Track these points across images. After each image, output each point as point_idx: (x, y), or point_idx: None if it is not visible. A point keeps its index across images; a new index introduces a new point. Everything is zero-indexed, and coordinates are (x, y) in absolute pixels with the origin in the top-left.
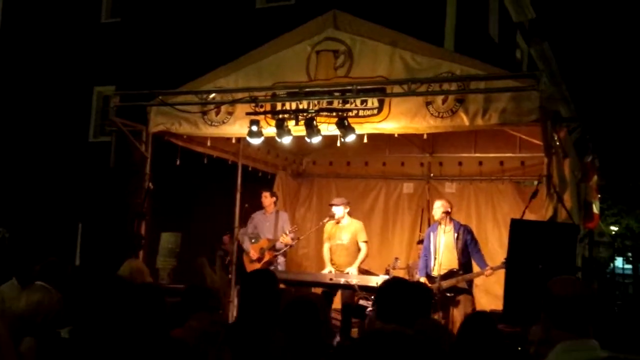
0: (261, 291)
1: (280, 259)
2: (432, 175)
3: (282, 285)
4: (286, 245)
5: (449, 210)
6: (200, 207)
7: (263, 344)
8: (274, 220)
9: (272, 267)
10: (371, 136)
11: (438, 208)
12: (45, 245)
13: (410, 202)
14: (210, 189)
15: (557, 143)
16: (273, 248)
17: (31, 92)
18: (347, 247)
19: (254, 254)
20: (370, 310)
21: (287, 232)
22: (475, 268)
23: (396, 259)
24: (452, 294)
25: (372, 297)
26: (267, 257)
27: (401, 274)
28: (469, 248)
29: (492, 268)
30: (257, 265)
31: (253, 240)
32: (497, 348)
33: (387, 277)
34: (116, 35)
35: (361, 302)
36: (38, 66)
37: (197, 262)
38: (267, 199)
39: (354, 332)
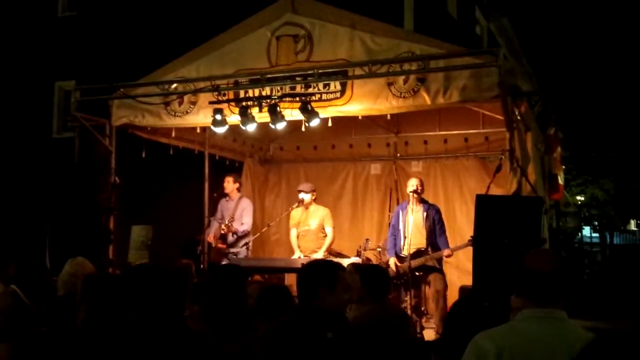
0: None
1: (241, 248)
2: (398, 155)
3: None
4: (233, 234)
5: (417, 189)
6: (170, 198)
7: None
8: (234, 207)
9: (231, 257)
10: (337, 119)
11: (412, 185)
12: (14, 244)
13: (379, 183)
14: (178, 180)
15: (518, 117)
16: (223, 236)
17: None
18: (315, 232)
19: (210, 240)
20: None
21: (227, 224)
22: None
23: (367, 240)
24: (421, 273)
25: None
26: (218, 246)
27: (372, 254)
28: (435, 228)
29: (452, 249)
30: (214, 254)
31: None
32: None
33: (357, 258)
34: (74, 29)
35: None
36: None
37: (184, 264)
38: (229, 184)
39: None
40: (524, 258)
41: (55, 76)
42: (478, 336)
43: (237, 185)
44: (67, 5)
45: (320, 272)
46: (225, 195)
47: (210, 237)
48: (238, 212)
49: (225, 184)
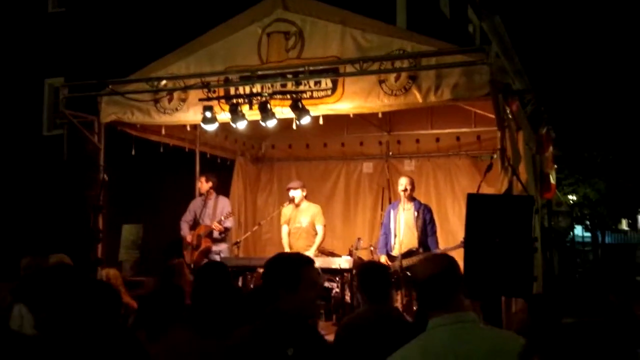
0: (214, 284)
1: (222, 246)
2: (390, 153)
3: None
4: (220, 233)
5: (408, 188)
6: (161, 196)
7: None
8: (213, 205)
9: (214, 256)
10: (329, 117)
11: (401, 185)
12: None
13: (371, 182)
14: (169, 178)
15: (510, 116)
16: (210, 235)
17: None
18: (306, 230)
19: (191, 240)
20: (336, 292)
21: (223, 218)
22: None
23: (359, 239)
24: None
25: (337, 278)
26: (203, 245)
27: (364, 254)
28: (426, 227)
29: (441, 250)
30: (195, 253)
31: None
32: None
33: (349, 257)
34: (64, 25)
35: (326, 284)
36: None
37: (176, 263)
38: (202, 184)
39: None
40: (411, 272)
41: (45, 73)
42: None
43: (210, 184)
44: (57, 1)
45: (279, 271)
46: (201, 195)
47: (190, 237)
48: (218, 210)
49: (199, 184)
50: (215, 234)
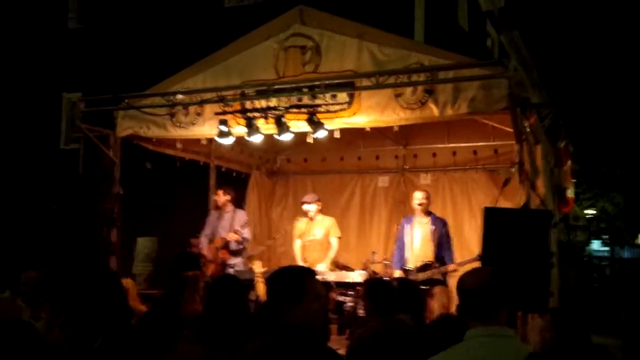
0: (226, 297)
1: (238, 259)
2: (406, 167)
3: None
4: (238, 243)
5: (424, 202)
6: (176, 210)
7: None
8: (231, 218)
9: (228, 269)
10: (345, 131)
11: (417, 198)
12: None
13: (386, 196)
14: (184, 192)
15: (528, 129)
16: (226, 247)
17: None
18: (321, 242)
19: (208, 255)
20: (349, 306)
21: (237, 230)
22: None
23: (373, 253)
24: (428, 287)
25: (350, 292)
26: (220, 257)
27: (379, 267)
28: (442, 241)
29: (457, 264)
30: (212, 266)
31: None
32: None
33: (363, 272)
34: (82, 41)
35: (339, 298)
36: (5, 73)
37: (191, 275)
38: (220, 197)
39: (333, 328)
40: (460, 281)
41: (64, 88)
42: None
43: (228, 197)
44: (76, 18)
45: (284, 284)
46: (217, 208)
47: (207, 249)
48: (236, 223)
49: (217, 197)
50: (233, 245)
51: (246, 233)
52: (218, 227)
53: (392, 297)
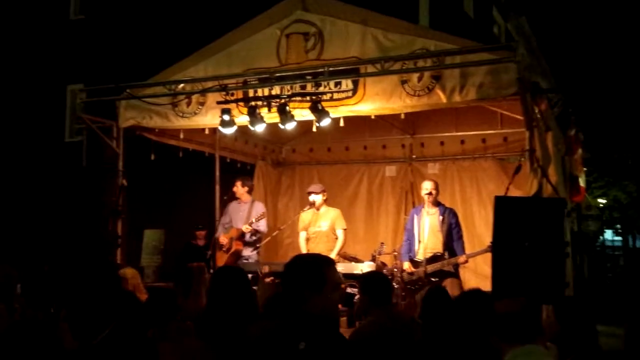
0: (229, 288)
1: (252, 251)
2: (414, 156)
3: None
4: (252, 235)
5: (432, 192)
6: (181, 201)
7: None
8: (248, 210)
9: (243, 261)
10: (350, 119)
11: (425, 188)
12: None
13: (394, 186)
14: (189, 183)
15: (538, 116)
16: (241, 238)
17: (3, 92)
18: (327, 234)
19: (223, 242)
20: (357, 298)
21: (254, 220)
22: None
23: (382, 244)
24: (437, 279)
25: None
26: (234, 247)
27: (387, 259)
28: (452, 232)
29: (468, 255)
30: (225, 256)
31: (225, 229)
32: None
33: (371, 263)
34: (84, 32)
35: (348, 289)
36: (9, 66)
37: (195, 266)
38: (239, 188)
39: (343, 320)
40: (494, 307)
41: (68, 80)
42: None
43: (246, 188)
44: (77, 9)
45: (304, 273)
46: (236, 198)
47: (223, 238)
48: (253, 214)
49: (235, 188)
50: (247, 237)
51: (262, 225)
52: (235, 218)
53: (388, 289)
